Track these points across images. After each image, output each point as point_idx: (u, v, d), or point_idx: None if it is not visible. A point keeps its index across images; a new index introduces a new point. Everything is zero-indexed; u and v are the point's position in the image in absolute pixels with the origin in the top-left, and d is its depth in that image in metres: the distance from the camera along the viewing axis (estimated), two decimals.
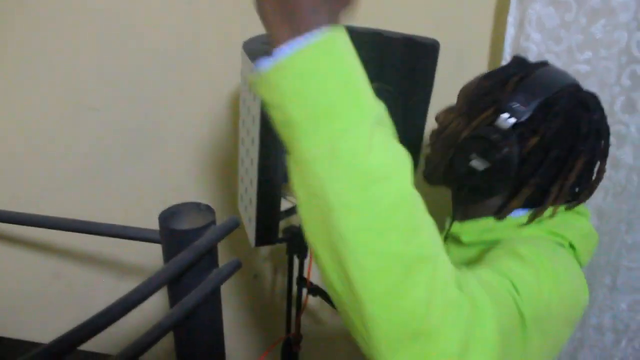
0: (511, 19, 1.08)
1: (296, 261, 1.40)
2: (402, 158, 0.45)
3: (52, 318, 1.38)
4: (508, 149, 0.72)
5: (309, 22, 0.42)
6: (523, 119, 0.72)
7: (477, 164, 0.75)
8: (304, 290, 1.39)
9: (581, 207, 0.78)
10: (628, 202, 1.10)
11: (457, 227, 0.84)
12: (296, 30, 0.41)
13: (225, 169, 1.49)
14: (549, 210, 0.75)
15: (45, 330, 1.40)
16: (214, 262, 0.73)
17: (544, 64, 0.79)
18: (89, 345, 0.57)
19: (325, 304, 1.34)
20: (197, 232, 0.67)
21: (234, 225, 0.73)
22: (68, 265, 1.39)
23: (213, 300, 0.73)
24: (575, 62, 1.05)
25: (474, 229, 0.81)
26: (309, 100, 0.41)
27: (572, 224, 0.76)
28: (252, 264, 1.76)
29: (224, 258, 1.68)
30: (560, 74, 0.78)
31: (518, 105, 0.73)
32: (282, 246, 1.37)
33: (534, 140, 0.73)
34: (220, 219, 0.77)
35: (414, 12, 1.23)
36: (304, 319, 1.77)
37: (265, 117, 0.89)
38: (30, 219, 0.91)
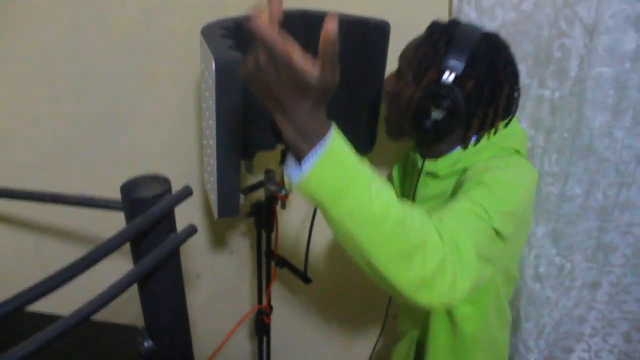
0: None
1: (265, 236, 1.50)
2: (388, 190, 0.68)
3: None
4: (455, 97, 0.95)
5: (315, 129, 0.63)
6: (458, 72, 0.95)
7: (436, 114, 0.97)
8: (272, 263, 1.49)
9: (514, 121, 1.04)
10: None
11: (432, 166, 1.08)
12: (311, 144, 0.63)
13: (195, 148, 1.57)
14: (492, 133, 1.00)
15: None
16: (172, 227, 0.82)
17: (456, 22, 1.01)
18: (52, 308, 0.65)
19: (293, 277, 1.43)
20: (154, 199, 0.77)
21: (187, 193, 0.82)
22: (46, 240, 1.48)
23: (173, 262, 0.83)
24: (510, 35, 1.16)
25: (446, 163, 1.06)
26: (328, 190, 0.64)
27: (512, 135, 1.01)
28: (230, 241, 1.86)
29: (205, 236, 1.76)
30: (473, 28, 1.00)
31: (454, 62, 0.95)
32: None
33: (470, 83, 0.96)
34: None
35: None
36: (276, 291, 1.87)
37: (221, 98, 0.99)
38: (2, 192, 1.00)
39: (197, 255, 1.77)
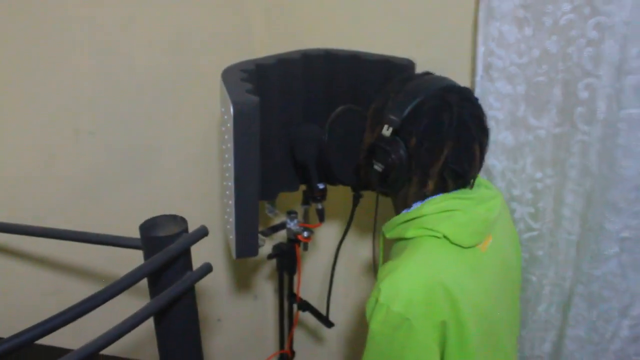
0: (480, 37, 1.26)
1: (287, 278, 1.56)
2: None
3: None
4: (394, 151, 0.98)
5: None
6: (398, 125, 0.98)
7: (377, 167, 1.02)
8: (295, 307, 1.55)
9: (471, 192, 1.05)
10: None
11: (384, 226, 1.10)
12: None
13: (215, 189, 1.66)
14: (438, 198, 1.01)
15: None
16: (188, 265, 0.89)
17: (423, 75, 1.06)
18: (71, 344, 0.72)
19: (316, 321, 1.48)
20: (171, 238, 0.84)
21: (203, 233, 0.89)
22: (66, 278, 1.55)
23: (189, 299, 0.90)
24: (536, 74, 1.21)
25: (390, 226, 1.08)
26: None
27: (448, 218, 0.98)
28: (254, 285, 1.92)
29: (228, 279, 1.83)
30: (431, 81, 1.01)
31: (392, 116, 0.98)
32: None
33: (412, 139, 0.98)
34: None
35: (395, 34, 1.40)
36: (298, 336, 1.91)
37: (240, 141, 1.07)
38: (25, 229, 1.09)
39: (218, 300, 1.83)
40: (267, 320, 1.93)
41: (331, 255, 1.46)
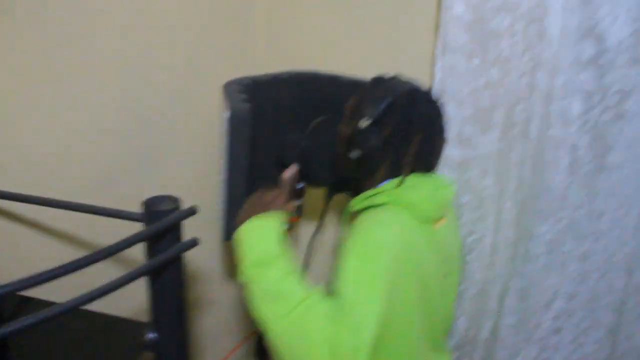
0: (437, 65, 1.40)
1: None
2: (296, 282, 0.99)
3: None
4: (369, 140, 1.10)
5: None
6: (374, 119, 1.09)
7: (354, 153, 1.12)
8: None
9: (432, 178, 1.16)
10: None
11: (352, 202, 1.20)
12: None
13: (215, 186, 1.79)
14: (401, 180, 1.11)
15: None
16: (178, 237, 1.04)
17: (392, 78, 1.17)
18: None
19: None
20: (167, 212, 1.00)
21: (192, 211, 1.03)
22: (72, 249, 1.54)
23: (177, 265, 1.04)
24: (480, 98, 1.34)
25: (359, 199, 1.17)
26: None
27: (413, 191, 1.09)
28: None
29: (222, 269, 1.91)
30: (403, 83, 1.14)
31: (371, 109, 1.11)
32: None
33: (387, 130, 1.10)
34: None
35: (369, 61, 1.56)
36: None
37: (232, 138, 1.22)
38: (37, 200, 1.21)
39: (212, 284, 1.97)
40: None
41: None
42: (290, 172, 1.24)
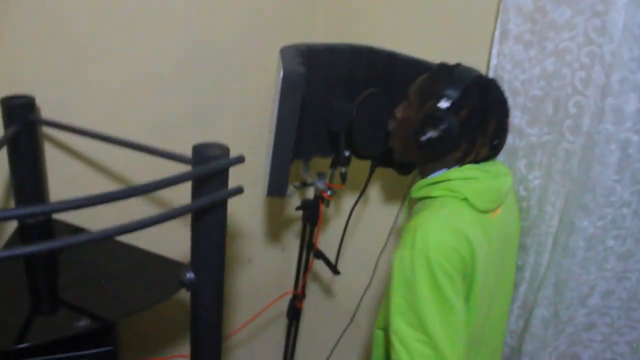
0: (494, 51, 1.37)
1: (309, 230, 1.70)
2: None
3: None
4: (448, 120, 1.08)
5: None
6: (453, 101, 1.09)
7: (432, 133, 1.10)
8: (311, 255, 1.69)
9: (490, 167, 1.15)
10: None
11: (412, 188, 1.21)
12: None
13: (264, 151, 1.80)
14: (462, 167, 1.13)
15: None
16: (225, 182, 1.05)
17: (458, 64, 1.15)
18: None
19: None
20: (215, 158, 1.01)
21: (240, 159, 1.03)
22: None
23: (221, 210, 1.05)
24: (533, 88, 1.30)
25: (417, 187, 1.17)
26: None
27: (469, 183, 1.10)
28: (284, 239, 2.08)
29: (263, 229, 1.95)
30: (471, 70, 1.13)
31: (450, 92, 1.09)
32: None
33: (464, 112, 1.09)
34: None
35: (428, 43, 1.53)
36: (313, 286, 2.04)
37: (284, 99, 1.23)
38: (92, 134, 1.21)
39: (252, 244, 2.00)
40: (290, 269, 2.08)
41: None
42: None
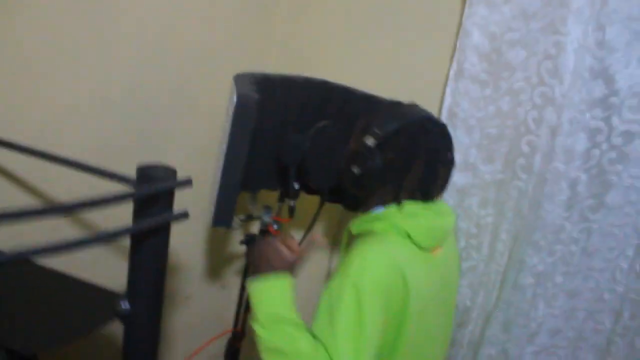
0: (448, 90, 1.38)
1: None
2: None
3: None
4: (370, 159, 1.07)
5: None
6: (379, 140, 1.07)
7: (355, 169, 1.10)
8: None
9: (433, 206, 1.12)
10: None
11: (351, 223, 1.17)
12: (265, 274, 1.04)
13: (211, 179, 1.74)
14: (405, 203, 1.09)
15: None
16: (169, 206, 0.98)
17: (411, 104, 1.15)
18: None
19: None
20: (160, 179, 0.94)
21: (188, 182, 0.97)
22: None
23: (163, 234, 0.98)
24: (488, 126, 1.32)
25: (358, 222, 1.15)
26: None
27: (412, 219, 1.07)
28: (224, 275, 1.99)
29: (203, 266, 1.86)
30: (417, 110, 1.14)
31: (377, 130, 1.08)
32: None
33: (391, 153, 1.07)
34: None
35: (381, 79, 1.54)
36: None
37: (236, 125, 1.18)
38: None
39: (192, 280, 1.90)
40: (230, 306, 1.98)
41: None
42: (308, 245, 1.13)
